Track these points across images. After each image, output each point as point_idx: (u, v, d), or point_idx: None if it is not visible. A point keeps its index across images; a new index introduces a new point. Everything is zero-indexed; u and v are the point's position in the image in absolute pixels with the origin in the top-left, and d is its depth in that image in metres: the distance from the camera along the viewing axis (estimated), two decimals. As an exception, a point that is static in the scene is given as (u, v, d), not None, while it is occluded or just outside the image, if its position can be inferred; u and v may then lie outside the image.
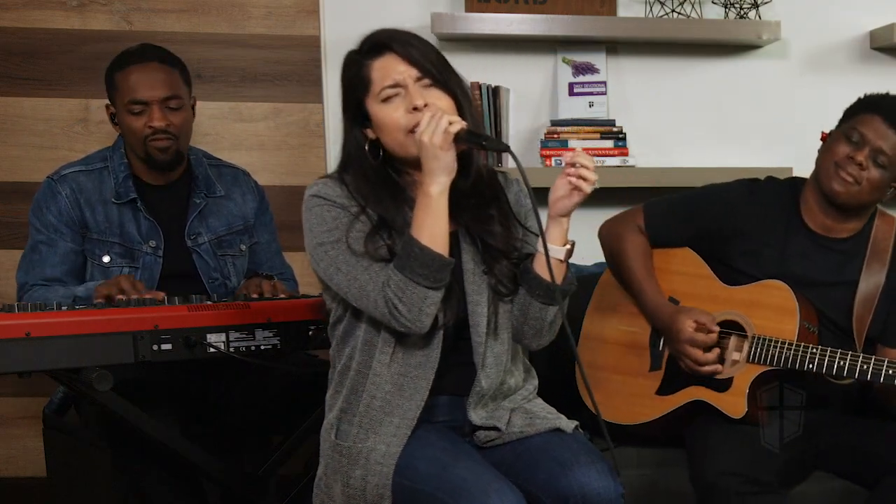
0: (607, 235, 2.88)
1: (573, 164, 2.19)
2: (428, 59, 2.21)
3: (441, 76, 2.22)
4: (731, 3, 3.51)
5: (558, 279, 2.24)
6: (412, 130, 2.17)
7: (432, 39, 3.41)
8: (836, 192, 2.68)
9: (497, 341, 2.29)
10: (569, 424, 2.31)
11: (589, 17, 3.47)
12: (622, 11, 3.54)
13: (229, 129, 3.47)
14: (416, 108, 2.17)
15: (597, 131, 3.50)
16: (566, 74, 3.55)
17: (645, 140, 3.58)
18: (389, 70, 2.20)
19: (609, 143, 3.49)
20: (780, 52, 3.63)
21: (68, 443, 2.82)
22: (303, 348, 2.71)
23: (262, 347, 2.58)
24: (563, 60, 3.56)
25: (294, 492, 2.80)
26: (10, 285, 3.13)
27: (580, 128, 3.49)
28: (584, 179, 2.18)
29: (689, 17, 3.51)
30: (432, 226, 2.14)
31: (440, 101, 2.20)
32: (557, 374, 2.83)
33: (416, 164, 2.21)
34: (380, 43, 2.22)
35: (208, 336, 2.50)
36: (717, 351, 2.69)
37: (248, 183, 3.08)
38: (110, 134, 2.94)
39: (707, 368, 2.67)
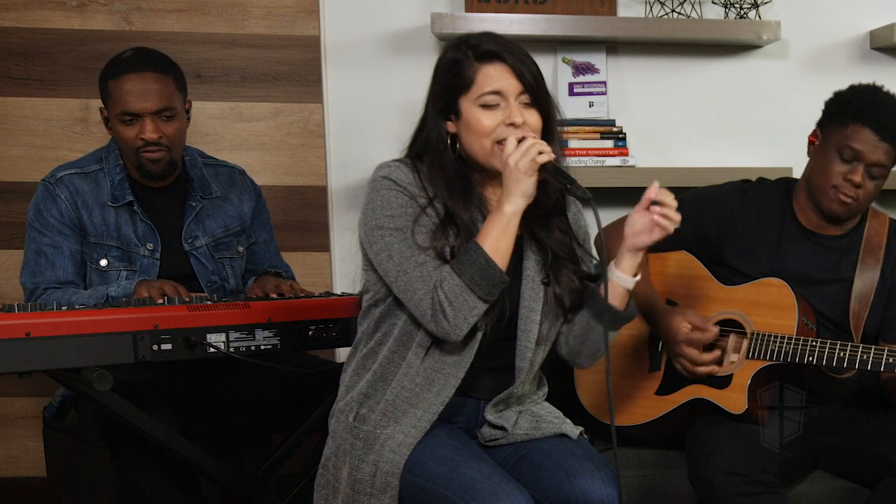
0: (604, 244, 2.89)
1: (658, 203, 2.21)
2: (534, 77, 2.24)
3: (540, 96, 2.25)
4: (731, 3, 3.51)
5: (623, 306, 2.27)
6: (500, 142, 2.20)
7: (432, 39, 3.41)
8: (836, 213, 2.70)
9: (539, 351, 2.31)
10: (574, 430, 2.32)
11: (589, 17, 3.47)
12: (622, 11, 3.54)
13: (229, 129, 3.46)
14: (512, 124, 2.20)
15: (597, 131, 3.49)
16: (566, 74, 3.55)
17: (645, 140, 3.58)
18: (497, 78, 2.22)
19: (609, 143, 3.49)
20: (779, 52, 3.63)
21: (68, 443, 2.82)
22: (303, 348, 2.72)
23: (262, 347, 2.58)
24: (563, 60, 3.56)
25: (294, 492, 2.80)
26: (9, 285, 3.13)
27: (580, 128, 3.49)
28: (669, 219, 2.21)
29: (689, 17, 3.51)
30: (498, 240, 2.17)
31: (532, 119, 2.23)
32: (562, 379, 2.84)
33: (490, 171, 2.25)
34: (492, 51, 2.23)
35: (208, 336, 2.50)
36: (716, 353, 2.69)
37: (245, 182, 3.07)
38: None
39: (704, 369, 2.67)
